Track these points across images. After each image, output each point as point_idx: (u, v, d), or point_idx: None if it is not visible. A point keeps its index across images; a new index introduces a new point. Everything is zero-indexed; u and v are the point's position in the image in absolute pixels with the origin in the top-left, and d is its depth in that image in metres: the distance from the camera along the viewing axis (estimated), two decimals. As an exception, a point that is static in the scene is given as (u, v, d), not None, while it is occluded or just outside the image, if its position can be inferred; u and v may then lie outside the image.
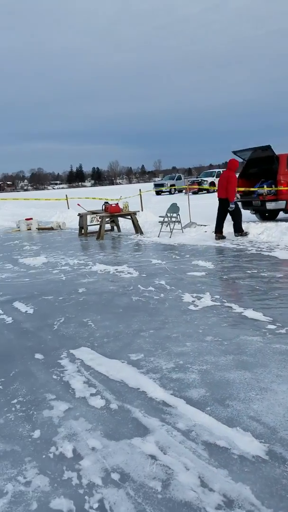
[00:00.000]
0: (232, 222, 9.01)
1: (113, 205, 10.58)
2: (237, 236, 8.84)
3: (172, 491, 1.81)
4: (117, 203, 10.85)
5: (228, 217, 9.01)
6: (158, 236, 9.83)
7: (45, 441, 2.26)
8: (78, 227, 11.78)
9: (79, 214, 11.58)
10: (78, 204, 13.34)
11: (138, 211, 11.93)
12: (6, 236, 12.87)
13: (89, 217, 11.58)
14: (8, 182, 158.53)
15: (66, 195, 16.98)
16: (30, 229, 14.16)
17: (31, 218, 14.86)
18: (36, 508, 1.79)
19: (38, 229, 14.12)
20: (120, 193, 20.33)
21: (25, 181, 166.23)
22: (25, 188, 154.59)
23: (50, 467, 2.05)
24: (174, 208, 9.88)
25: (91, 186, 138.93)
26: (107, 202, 11.06)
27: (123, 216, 10.83)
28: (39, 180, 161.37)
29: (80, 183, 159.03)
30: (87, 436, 2.26)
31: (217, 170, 33.69)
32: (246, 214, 10.58)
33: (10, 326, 4.28)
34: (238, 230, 8.89)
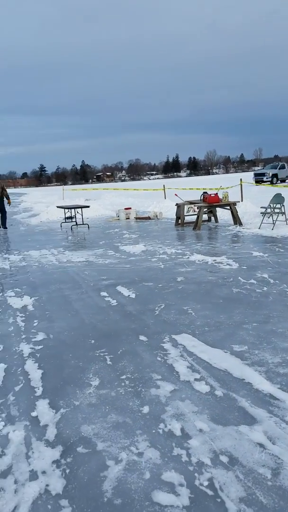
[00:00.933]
0: None
1: (212, 195, 10.49)
2: None
3: (283, 480, 1.81)
4: (216, 193, 10.73)
5: None
6: (259, 228, 9.52)
7: (154, 417, 2.39)
8: (174, 217, 11.92)
9: (176, 204, 11.70)
10: (176, 194, 13.48)
11: (238, 202, 11.65)
12: (107, 224, 13.52)
13: (186, 207, 11.64)
14: (108, 173, 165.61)
15: (164, 185, 17.23)
16: (128, 218, 14.68)
17: (130, 208, 15.38)
18: (149, 478, 1.91)
19: (136, 218, 14.57)
20: (219, 183, 20.03)
21: (123, 171, 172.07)
22: (123, 178, 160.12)
23: (160, 442, 2.17)
24: (278, 199, 9.48)
25: (186, 176, 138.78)
26: (206, 192, 11.00)
27: (222, 206, 10.69)
28: (136, 171, 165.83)
29: (175, 174, 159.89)
30: (194, 418, 2.34)
31: None
32: None
33: (115, 308, 4.54)
34: None
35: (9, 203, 13.67)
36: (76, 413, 2.50)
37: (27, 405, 2.65)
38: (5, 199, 13.42)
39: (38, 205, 24.03)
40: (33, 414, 2.53)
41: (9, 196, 13.75)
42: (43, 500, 1.84)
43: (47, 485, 1.93)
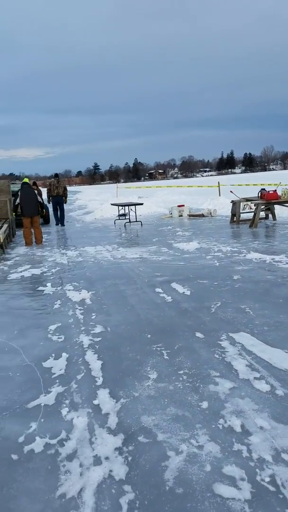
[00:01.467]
0: None
1: (270, 192, 10.21)
2: None
3: None
4: (275, 190, 10.43)
5: None
6: None
7: (213, 413, 2.40)
8: (228, 214, 11.74)
9: (232, 201, 11.51)
10: (231, 191, 13.26)
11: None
12: (160, 221, 13.58)
13: (242, 204, 11.43)
14: (160, 171, 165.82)
15: (219, 182, 17.01)
16: (181, 216, 14.65)
17: (183, 205, 15.34)
18: (210, 470, 1.94)
19: (189, 215, 14.51)
20: (277, 179, 19.40)
21: (175, 169, 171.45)
22: (175, 176, 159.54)
23: (220, 436, 2.18)
24: None
25: (240, 173, 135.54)
26: (263, 189, 10.73)
27: (281, 203, 10.38)
28: (188, 168, 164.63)
29: (229, 170, 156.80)
30: (254, 416, 2.33)
31: None
32: None
33: (170, 304, 4.57)
34: None
35: (65, 201, 14.19)
36: (136, 404, 2.57)
37: (88, 393, 2.76)
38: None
39: (92, 203, 24.65)
40: (95, 402, 2.64)
41: (67, 195, 14.32)
42: (107, 484, 1.92)
43: (110, 471, 2.01)
